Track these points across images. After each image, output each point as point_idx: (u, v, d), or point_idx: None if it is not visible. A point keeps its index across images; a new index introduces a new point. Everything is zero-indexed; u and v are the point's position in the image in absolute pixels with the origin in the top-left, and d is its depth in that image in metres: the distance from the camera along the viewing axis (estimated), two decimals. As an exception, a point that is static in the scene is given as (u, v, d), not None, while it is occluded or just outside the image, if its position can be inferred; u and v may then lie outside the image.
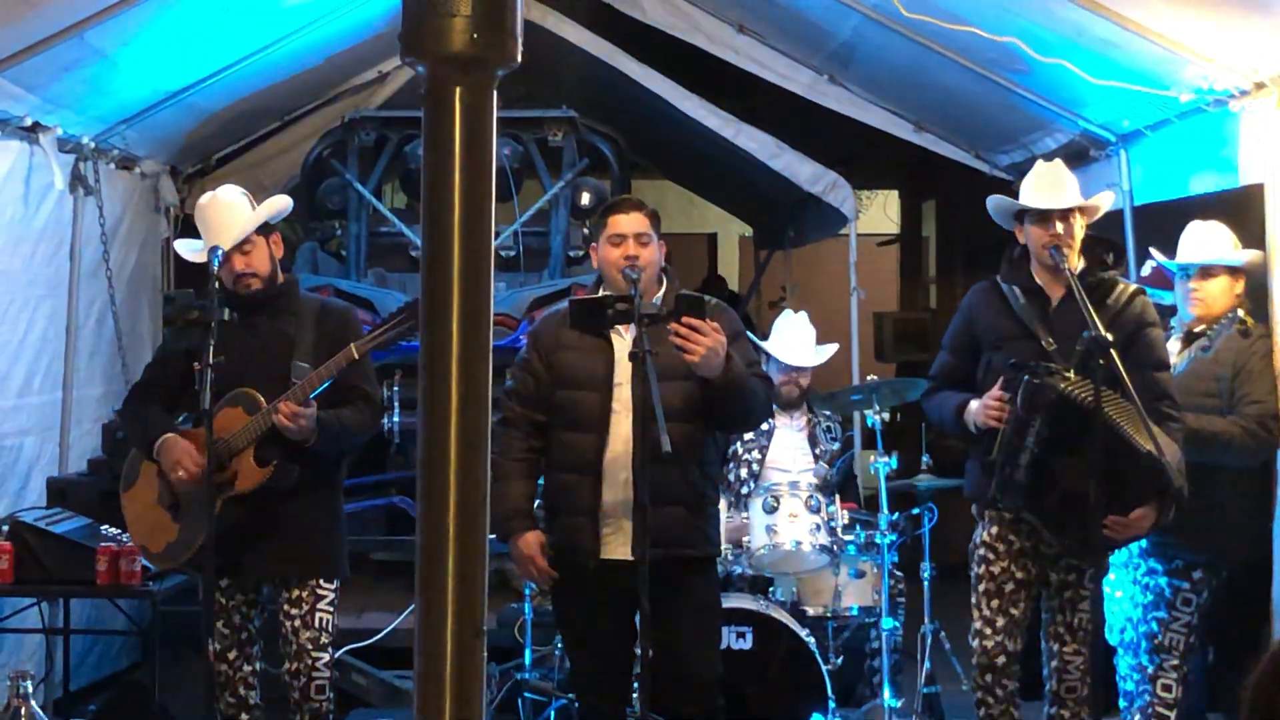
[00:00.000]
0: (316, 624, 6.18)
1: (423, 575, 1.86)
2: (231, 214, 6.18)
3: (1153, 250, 6.95)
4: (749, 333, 6.56)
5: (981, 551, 6.24)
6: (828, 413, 8.27)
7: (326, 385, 5.95)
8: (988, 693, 6.23)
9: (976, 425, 6.10)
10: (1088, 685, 6.11)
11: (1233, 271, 6.53)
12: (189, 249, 6.32)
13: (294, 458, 6.03)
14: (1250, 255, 6.53)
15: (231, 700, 6.22)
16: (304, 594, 6.18)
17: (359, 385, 6.16)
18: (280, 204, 6.35)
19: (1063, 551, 6.08)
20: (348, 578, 6.37)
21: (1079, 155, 8.33)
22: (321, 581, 6.21)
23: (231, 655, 6.20)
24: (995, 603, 6.19)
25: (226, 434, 5.96)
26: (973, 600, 6.27)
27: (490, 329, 1.91)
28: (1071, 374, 5.78)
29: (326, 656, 6.21)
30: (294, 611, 6.17)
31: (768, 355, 8.02)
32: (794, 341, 8.13)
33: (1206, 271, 6.56)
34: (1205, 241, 6.62)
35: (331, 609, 6.23)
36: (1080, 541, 5.84)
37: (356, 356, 5.91)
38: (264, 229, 6.23)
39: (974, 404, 6.13)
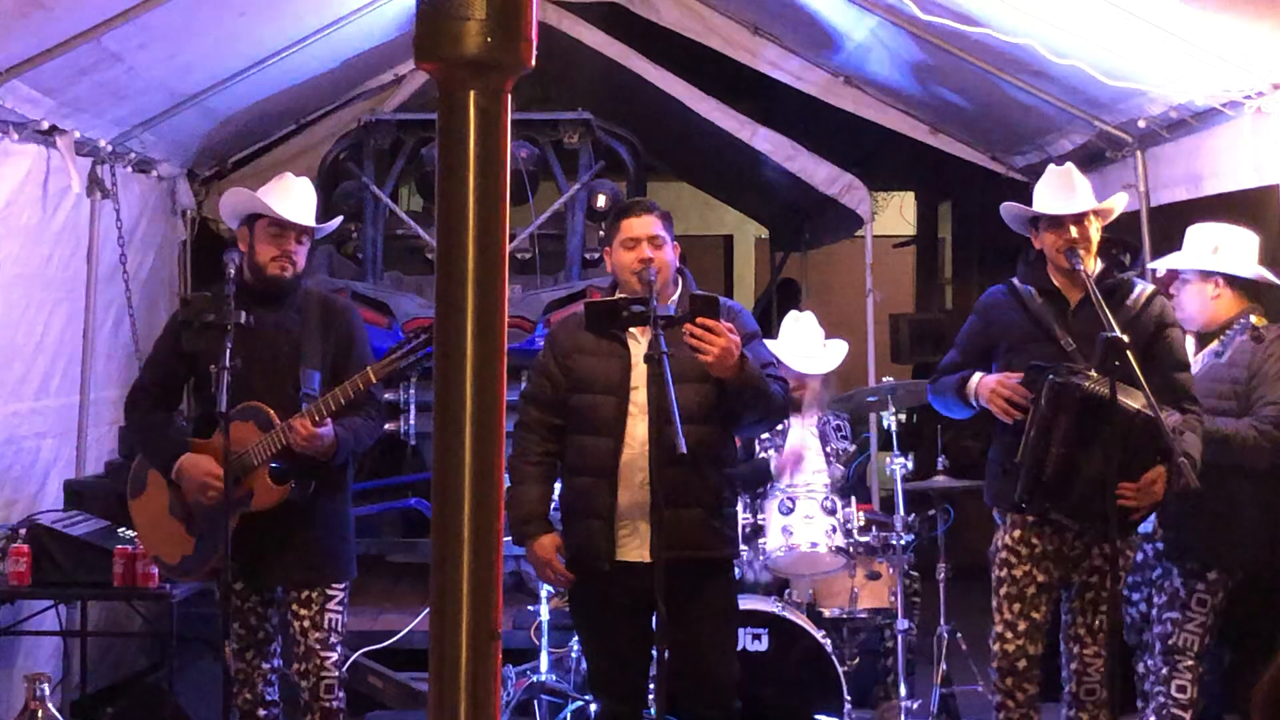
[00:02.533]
0: (326, 624, 6.20)
1: (437, 577, 1.86)
2: (310, 199, 6.23)
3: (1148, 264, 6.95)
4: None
5: (1003, 555, 6.22)
6: (837, 412, 8.26)
7: (346, 403, 5.99)
8: (1008, 696, 6.22)
9: (979, 401, 6.09)
10: (1107, 688, 6.11)
11: (1204, 276, 6.52)
12: (248, 201, 6.22)
13: (307, 471, 6.06)
14: (1223, 261, 6.48)
15: (249, 696, 6.24)
16: (314, 595, 6.20)
17: (368, 391, 6.17)
18: (334, 223, 6.53)
19: (1086, 531, 6.05)
20: (355, 576, 6.40)
21: (1095, 157, 8.33)
22: (331, 582, 6.24)
23: (249, 655, 6.22)
24: (1017, 606, 6.18)
25: (240, 449, 5.94)
26: (994, 604, 6.26)
27: (505, 331, 1.91)
28: (1094, 373, 5.77)
29: (335, 656, 6.24)
30: (303, 612, 6.19)
31: (778, 359, 7.98)
32: (803, 345, 8.11)
33: (1173, 280, 6.56)
34: (1186, 248, 6.63)
35: (340, 609, 6.25)
36: (1103, 520, 5.79)
37: (375, 380, 5.93)
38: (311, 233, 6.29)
39: (979, 375, 6.12)
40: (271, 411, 5.99)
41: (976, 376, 6.15)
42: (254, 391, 6.03)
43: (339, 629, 6.25)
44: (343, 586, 6.27)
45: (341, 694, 6.28)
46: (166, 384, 6.33)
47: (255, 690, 6.25)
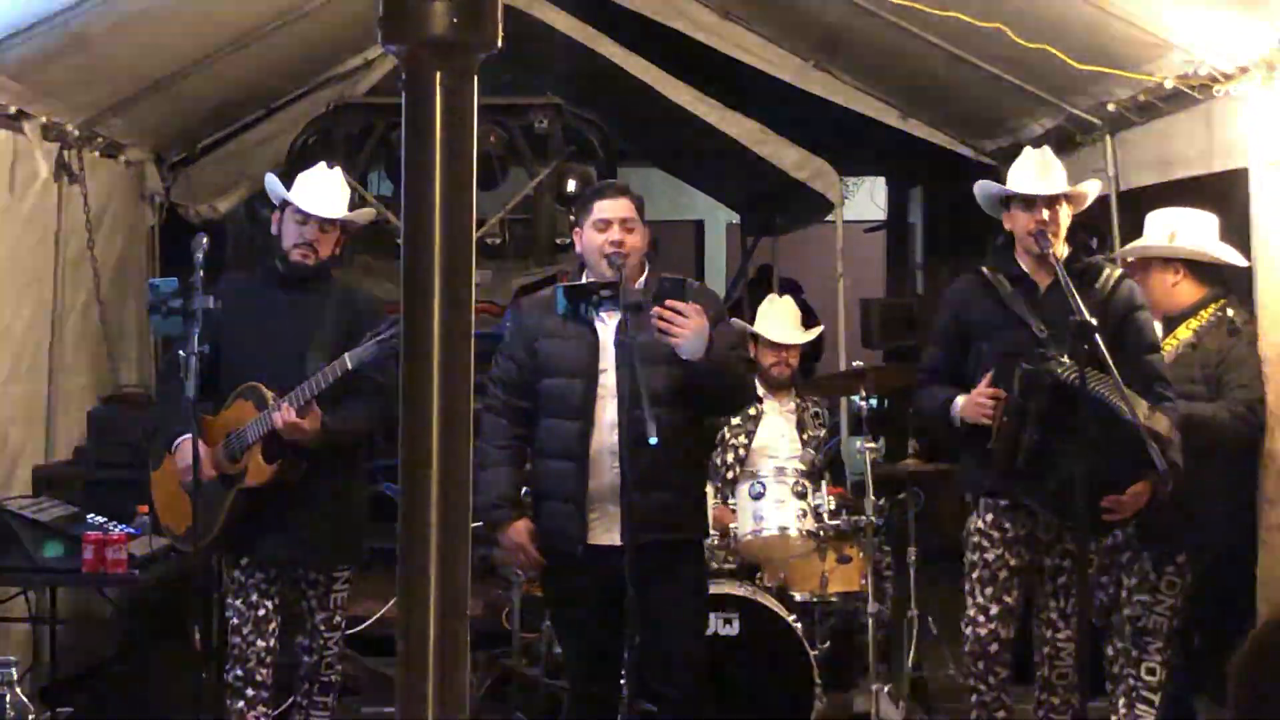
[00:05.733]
0: (331, 604, 6.43)
1: (405, 559, 1.86)
2: (338, 192, 6.42)
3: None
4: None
5: (976, 539, 6.24)
6: (816, 398, 8.28)
7: (327, 387, 6.07)
8: (980, 680, 6.24)
9: (964, 420, 6.11)
10: (1078, 671, 6.13)
11: (1164, 263, 6.53)
12: (276, 188, 6.46)
13: (302, 452, 6.16)
14: (1181, 246, 6.49)
15: (239, 673, 6.33)
16: (321, 576, 6.39)
17: (370, 376, 6.20)
18: (368, 216, 6.79)
19: (1064, 529, 6.06)
20: (364, 559, 6.55)
21: (1065, 141, 8.33)
22: (338, 566, 6.42)
23: (246, 630, 6.31)
24: (989, 590, 6.19)
25: (238, 427, 6.16)
26: (966, 587, 6.28)
27: (472, 315, 1.91)
28: (1066, 359, 5.79)
29: (338, 635, 6.49)
30: (310, 593, 6.40)
31: (756, 337, 8.05)
32: (780, 322, 8.16)
33: (1135, 267, 6.58)
34: (1145, 235, 6.65)
35: (345, 588, 6.48)
36: (1081, 521, 5.81)
37: (350, 366, 5.97)
38: (343, 225, 6.45)
39: (960, 399, 6.14)
40: (268, 392, 6.12)
41: (958, 402, 6.15)
42: (262, 372, 6.20)
43: (343, 606, 6.49)
44: (348, 569, 6.48)
45: (339, 667, 6.54)
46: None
47: (247, 667, 6.32)
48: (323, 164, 6.59)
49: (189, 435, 6.07)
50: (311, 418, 6.07)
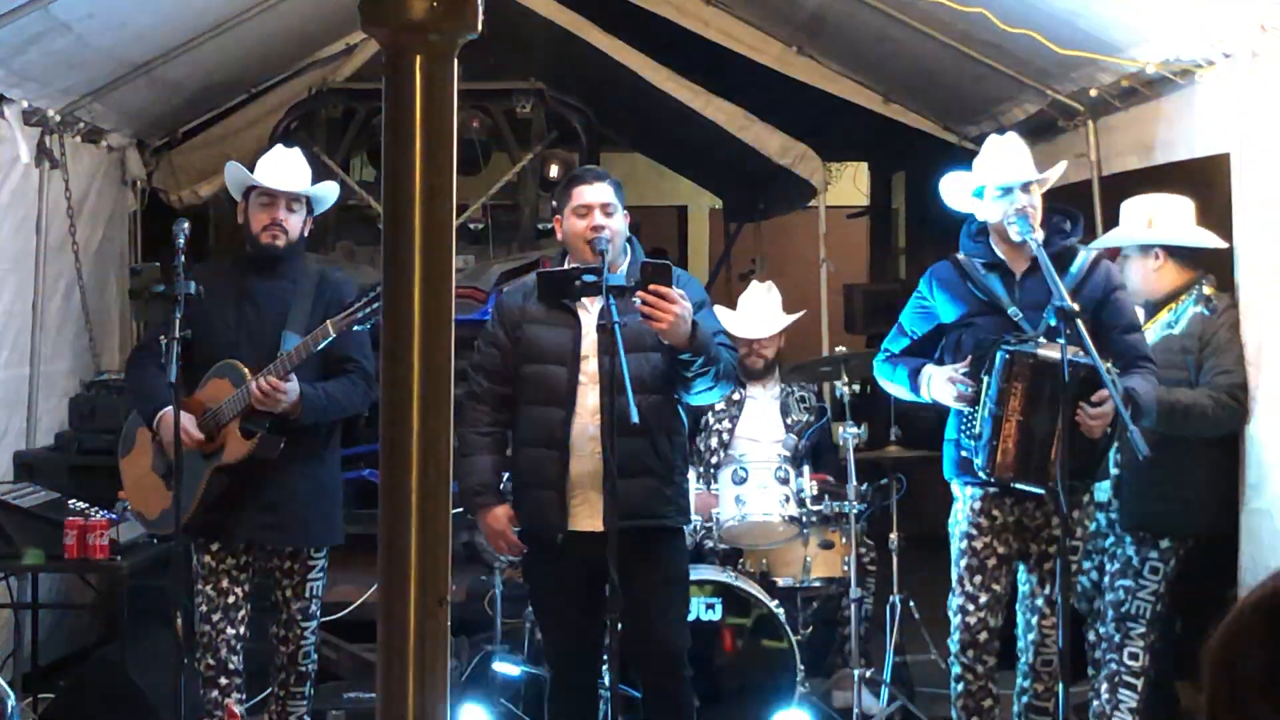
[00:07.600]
0: (307, 593, 6.36)
1: (385, 544, 1.86)
2: (299, 169, 6.38)
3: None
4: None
5: (964, 527, 6.21)
6: (802, 383, 8.26)
7: (307, 357, 6.02)
8: (968, 669, 6.23)
9: (934, 398, 6.11)
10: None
11: (1144, 250, 6.54)
12: (238, 174, 6.40)
13: (279, 429, 6.13)
14: (1159, 233, 6.50)
15: (211, 662, 6.30)
16: (295, 565, 6.33)
17: (351, 357, 6.20)
18: (333, 191, 6.58)
19: (1049, 515, 6.05)
20: (340, 542, 6.50)
21: (1047, 126, 8.34)
22: (311, 550, 6.35)
23: (215, 617, 6.28)
24: (978, 578, 6.18)
25: (214, 405, 6.12)
26: (954, 576, 6.25)
27: (452, 299, 1.91)
28: (1044, 340, 5.79)
29: (314, 624, 6.42)
30: (285, 582, 6.34)
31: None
32: (753, 313, 8.13)
33: (1116, 255, 6.58)
34: (1122, 223, 6.66)
35: (321, 575, 6.41)
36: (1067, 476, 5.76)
37: (333, 334, 5.94)
38: (309, 205, 6.41)
39: (934, 371, 6.13)
40: (245, 368, 6.09)
41: (928, 372, 6.15)
42: (238, 355, 6.16)
43: (318, 595, 6.42)
44: (323, 554, 6.41)
45: (315, 656, 6.49)
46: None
47: (218, 656, 6.29)
48: (280, 146, 6.59)
49: (169, 409, 6.06)
50: (290, 387, 6.03)
